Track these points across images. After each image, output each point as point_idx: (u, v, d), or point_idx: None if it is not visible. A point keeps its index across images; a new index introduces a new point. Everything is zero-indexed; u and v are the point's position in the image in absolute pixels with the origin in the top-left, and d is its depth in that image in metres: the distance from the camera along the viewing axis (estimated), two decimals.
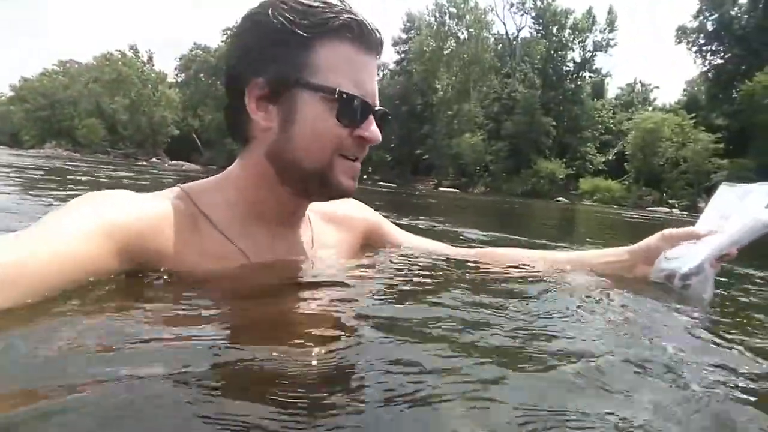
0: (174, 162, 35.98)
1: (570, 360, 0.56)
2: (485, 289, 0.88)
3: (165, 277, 0.73)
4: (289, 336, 0.59)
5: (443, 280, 0.93)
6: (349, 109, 0.78)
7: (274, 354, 0.50)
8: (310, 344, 0.56)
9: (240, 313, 0.69)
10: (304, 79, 0.77)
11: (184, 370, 0.46)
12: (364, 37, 0.79)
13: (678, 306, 0.87)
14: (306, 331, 0.62)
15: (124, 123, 46.67)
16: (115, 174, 8.90)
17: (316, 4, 0.77)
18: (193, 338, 0.55)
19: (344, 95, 0.77)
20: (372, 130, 0.81)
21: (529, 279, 0.98)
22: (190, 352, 0.52)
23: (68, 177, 6.55)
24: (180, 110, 47.21)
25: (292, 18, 0.75)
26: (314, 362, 0.51)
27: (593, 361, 0.56)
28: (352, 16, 0.78)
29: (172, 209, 0.76)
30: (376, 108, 0.82)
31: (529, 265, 1.07)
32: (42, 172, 7.06)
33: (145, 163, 31.50)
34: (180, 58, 52.30)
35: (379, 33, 0.82)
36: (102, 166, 13.60)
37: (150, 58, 49.82)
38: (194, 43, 49.27)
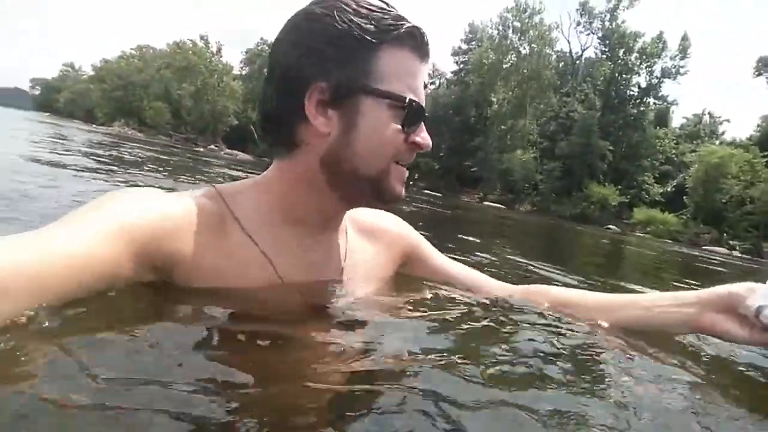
0: (230, 151, 37.44)
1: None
2: (522, 335, 0.80)
3: (177, 282, 0.70)
4: (301, 367, 0.56)
5: (480, 318, 0.85)
6: (413, 117, 0.78)
7: (276, 389, 0.48)
8: (322, 377, 0.53)
9: (248, 332, 0.65)
10: (369, 86, 0.75)
11: (175, 390, 0.44)
12: (422, 45, 0.79)
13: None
14: (318, 359, 0.58)
15: (188, 109, 49.04)
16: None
17: (375, 8, 0.76)
18: (191, 359, 0.52)
19: (413, 103, 0.77)
20: (424, 136, 0.81)
21: (575, 330, 0.86)
22: (185, 373, 0.49)
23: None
24: (241, 102, 49.14)
25: (359, 22, 0.74)
26: (325, 400, 0.48)
27: None
28: (411, 23, 0.78)
29: (197, 209, 0.74)
30: (427, 115, 0.83)
31: (576, 311, 0.96)
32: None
33: (202, 149, 32.99)
34: (246, 52, 54.61)
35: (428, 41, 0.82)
36: (165, 150, 14.34)
37: (219, 50, 52.12)
38: (261, 38, 51.30)
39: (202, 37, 50.56)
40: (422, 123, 0.81)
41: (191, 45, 49.11)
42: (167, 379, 0.48)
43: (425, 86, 0.83)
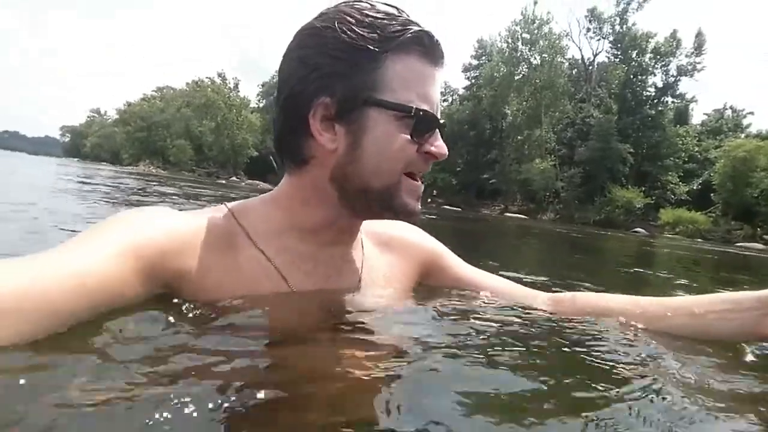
0: (251, 181, 38.35)
1: None
2: (561, 346, 0.75)
3: (190, 299, 0.69)
4: (316, 384, 0.54)
5: (511, 330, 0.79)
6: (423, 126, 0.74)
7: (290, 395, 0.47)
8: (342, 394, 0.52)
9: (262, 341, 0.64)
10: (374, 98, 0.72)
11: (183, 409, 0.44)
12: (431, 49, 0.75)
13: None
14: (338, 374, 0.57)
15: (209, 144, 50.57)
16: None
17: (380, 15, 0.73)
18: (202, 376, 0.51)
19: (420, 113, 0.73)
20: (439, 144, 0.77)
21: (617, 340, 0.77)
22: (198, 393, 0.48)
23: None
24: (260, 133, 50.40)
25: (361, 32, 0.71)
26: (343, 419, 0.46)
27: None
28: (420, 27, 0.74)
29: (206, 226, 0.74)
30: (442, 121, 0.78)
31: (621, 320, 0.87)
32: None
33: (224, 181, 33.89)
34: (262, 85, 56.26)
35: (441, 43, 0.78)
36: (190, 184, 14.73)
37: (236, 85, 53.78)
38: (276, 71, 52.70)
39: (219, 74, 52.36)
40: (437, 131, 0.77)
41: (209, 82, 50.86)
42: (184, 386, 0.48)
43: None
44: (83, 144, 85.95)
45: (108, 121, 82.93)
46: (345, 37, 0.71)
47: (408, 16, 0.76)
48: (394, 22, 0.73)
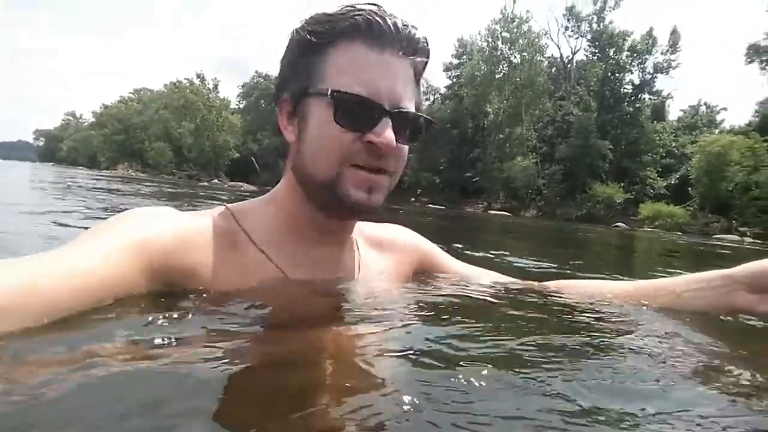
0: (233, 183, 37.89)
1: None
2: (549, 326, 0.79)
3: (192, 295, 0.70)
4: (318, 376, 0.55)
5: (503, 316, 0.83)
6: (349, 111, 0.71)
7: (299, 399, 0.47)
8: (343, 388, 0.52)
9: (264, 341, 0.64)
10: (313, 87, 0.74)
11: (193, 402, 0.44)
12: (375, 33, 0.73)
13: None
14: (339, 368, 0.57)
15: (189, 146, 49.72)
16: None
17: (334, 11, 0.75)
18: (209, 368, 0.51)
19: (335, 93, 0.71)
20: (383, 134, 0.71)
21: (604, 319, 0.82)
22: (206, 384, 0.48)
23: None
24: (241, 134, 49.78)
25: (311, 29, 0.75)
26: (346, 409, 0.46)
27: None
28: (363, 14, 0.73)
29: (209, 226, 0.75)
30: (395, 110, 0.73)
31: (604, 300, 0.93)
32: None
33: (206, 183, 33.41)
34: (242, 86, 55.63)
35: (405, 29, 0.75)
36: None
37: (215, 86, 53.05)
38: (255, 71, 52.30)
39: (198, 75, 51.57)
40: (384, 120, 0.72)
41: (188, 83, 50.05)
42: (191, 379, 0.49)
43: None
44: (59, 148, 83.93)
45: (84, 124, 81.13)
46: (298, 37, 0.77)
47: (369, 6, 0.74)
48: (342, 15, 0.74)
